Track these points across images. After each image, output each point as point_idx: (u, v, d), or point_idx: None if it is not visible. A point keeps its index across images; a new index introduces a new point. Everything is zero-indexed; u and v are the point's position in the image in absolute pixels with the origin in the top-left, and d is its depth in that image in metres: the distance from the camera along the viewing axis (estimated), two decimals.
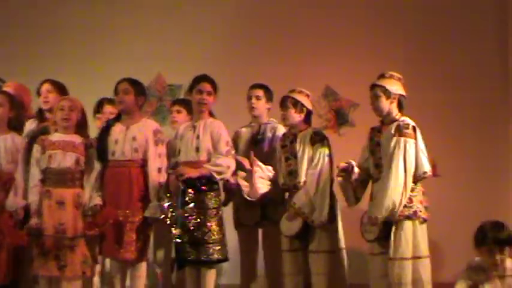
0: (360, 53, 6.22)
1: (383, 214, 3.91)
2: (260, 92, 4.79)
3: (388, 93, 4.08)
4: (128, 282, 4.36)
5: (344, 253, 4.38)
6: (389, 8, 6.37)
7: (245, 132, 4.82)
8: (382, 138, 4.08)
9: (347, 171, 4.12)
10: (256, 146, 4.74)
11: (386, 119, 4.11)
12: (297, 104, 4.42)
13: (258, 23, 6.35)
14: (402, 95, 4.13)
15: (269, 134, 4.72)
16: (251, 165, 4.49)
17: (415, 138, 4.00)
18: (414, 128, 4.03)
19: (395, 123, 4.03)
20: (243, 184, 4.47)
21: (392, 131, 4.00)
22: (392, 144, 3.96)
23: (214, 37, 6.27)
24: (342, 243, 4.37)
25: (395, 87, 4.11)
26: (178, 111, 5.02)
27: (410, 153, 3.95)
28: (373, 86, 4.14)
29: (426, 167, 4.02)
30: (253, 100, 4.77)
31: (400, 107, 4.13)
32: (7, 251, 4.20)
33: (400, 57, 6.15)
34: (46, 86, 4.68)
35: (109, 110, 4.91)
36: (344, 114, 6.33)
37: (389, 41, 6.29)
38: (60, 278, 4.14)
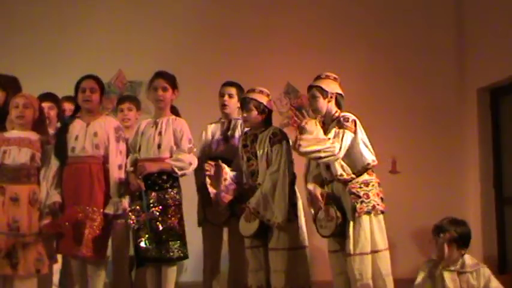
0: (321, 50, 6.29)
1: None
2: (233, 90, 4.74)
3: (325, 93, 4.13)
4: (87, 281, 4.30)
5: (307, 251, 4.37)
6: (346, 8, 6.46)
7: (215, 128, 4.80)
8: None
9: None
10: (227, 142, 4.73)
11: (327, 119, 4.14)
12: (259, 105, 4.40)
13: (220, 20, 6.37)
14: (339, 94, 4.18)
15: (239, 130, 4.71)
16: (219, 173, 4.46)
17: (355, 132, 4.05)
18: (354, 122, 4.07)
19: (336, 120, 4.09)
20: (211, 191, 4.44)
21: (332, 126, 4.05)
22: (332, 132, 4.01)
23: (176, 34, 6.26)
24: (305, 241, 4.36)
25: (332, 86, 4.16)
26: (130, 109, 5.00)
27: (346, 145, 3.99)
28: (310, 88, 4.19)
29: (369, 158, 4.06)
30: (226, 98, 4.73)
31: (338, 105, 4.17)
32: None
33: (358, 56, 6.24)
34: None
35: (69, 108, 4.85)
36: (305, 112, 6.35)
37: (348, 40, 6.38)
38: (13, 277, 4.07)
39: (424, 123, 6.36)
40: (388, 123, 6.05)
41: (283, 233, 4.27)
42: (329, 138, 3.97)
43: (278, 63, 6.24)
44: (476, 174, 6.26)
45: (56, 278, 4.50)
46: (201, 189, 4.59)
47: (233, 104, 4.75)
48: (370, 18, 6.47)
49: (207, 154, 4.65)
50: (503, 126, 6.25)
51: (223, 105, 4.76)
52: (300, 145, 3.94)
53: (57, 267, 4.43)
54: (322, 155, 3.96)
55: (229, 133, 4.74)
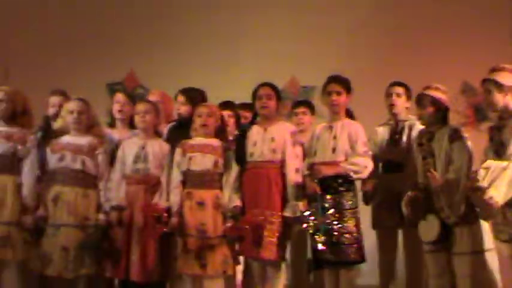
0: (498, 45, 5.98)
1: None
2: (400, 90, 4.73)
3: (500, 87, 3.87)
4: (266, 282, 4.42)
5: (492, 254, 4.18)
6: None
7: (382, 131, 4.77)
8: (504, 136, 3.86)
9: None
10: (394, 144, 4.68)
11: (504, 114, 3.88)
12: (435, 102, 4.28)
13: (392, 20, 6.30)
14: None
15: (407, 132, 4.64)
16: None
17: None
18: None
19: None
20: None
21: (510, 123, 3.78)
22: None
23: (347, 36, 6.28)
24: (489, 244, 4.16)
25: (508, 79, 3.88)
26: (304, 113, 5.07)
27: None
28: (484, 81, 3.94)
29: None
30: (394, 97, 4.72)
31: None
32: (154, 251, 4.35)
33: None
34: (179, 98, 4.83)
35: (245, 115, 5.03)
36: (483, 110, 6.10)
37: None
38: (202, 277, 4.28)
39: None
40: None
41: (466, 237, 4.10)
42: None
43: (453, 60, 6.03)
44: None
45: (238, 279, 4.69)
46: (374, 192, 4.57)
47: (400, 103, 4.71)
48: None
49: (376, 158, 4.59)
50: None
51: (390, 105, 4.72)
52: (495, 201, 3.70)
53: (239, 268, 4.61)
54: None
55: (396, 136, 4.67)
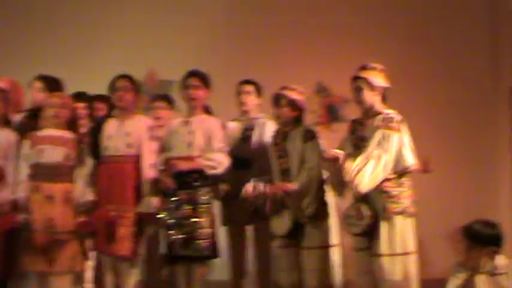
0: (351, 49, 6.24)
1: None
2: (250, 88, 4.80)
3: (371, 86, 3.98)
4: (120, 278, 4.35)
5: (336, 250, 4.35)
6: (379, 3, 6.40)
7: (234, 127, 4.82)
8: (366, 132, 4.00)
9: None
10: (244, 141, 4.75)
11: (369, 112, 4.01)
12: (291, 102, 4.37)
13: (250, 17, 6.38)
14: (385, 87, 4.03)
15: (257, 130, 4.73)
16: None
17: (399, 132, 3.91)
18: (399, 122, 3.93)
19: (379, 116, 3.95)
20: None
21: (377, 124, 3.92)
22: (377, 137, 3.88)
23: (207, 33, 6.29)
24: (335, 240, 4.34)
25: (379, 79, 4.01)
26: (161, 108, 5.03)
27: (393, 147, 3.86)
28: (355, 78, 4.02)
29: (409, 161, 3.92)
30: (243, 95, 4.78)
31: (383, 99, 4.03)
32: None
33: (391, 54, 6.16)
34: (36, 84, 4.64)
35: (101, 107, 4.89)
36: (335, 110, 6.35)
37: (380, 37, 6.32)
38: (49, 273, 4.12)
39: (456, 122, 6.30)
40: (419, 121, 5.99)
41: (316, 232, 4.26)
42: (378, 156, 3.83)
43: (308, 62, 6.22)
44: (510, 174, 6.17)
45: (89, 275, 4.56)
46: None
47: (250, 101, 4.79)
48: (404, 14, 6.42)
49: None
50: None
51: (241, 103, 4.79)
52: (360, 188, 3.83)
53: (90, 264, 4.49)
54: (382, 175, 3.86)
55: (246, 133, 4.76)
